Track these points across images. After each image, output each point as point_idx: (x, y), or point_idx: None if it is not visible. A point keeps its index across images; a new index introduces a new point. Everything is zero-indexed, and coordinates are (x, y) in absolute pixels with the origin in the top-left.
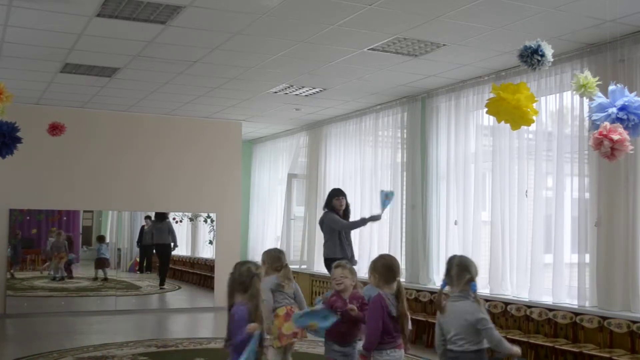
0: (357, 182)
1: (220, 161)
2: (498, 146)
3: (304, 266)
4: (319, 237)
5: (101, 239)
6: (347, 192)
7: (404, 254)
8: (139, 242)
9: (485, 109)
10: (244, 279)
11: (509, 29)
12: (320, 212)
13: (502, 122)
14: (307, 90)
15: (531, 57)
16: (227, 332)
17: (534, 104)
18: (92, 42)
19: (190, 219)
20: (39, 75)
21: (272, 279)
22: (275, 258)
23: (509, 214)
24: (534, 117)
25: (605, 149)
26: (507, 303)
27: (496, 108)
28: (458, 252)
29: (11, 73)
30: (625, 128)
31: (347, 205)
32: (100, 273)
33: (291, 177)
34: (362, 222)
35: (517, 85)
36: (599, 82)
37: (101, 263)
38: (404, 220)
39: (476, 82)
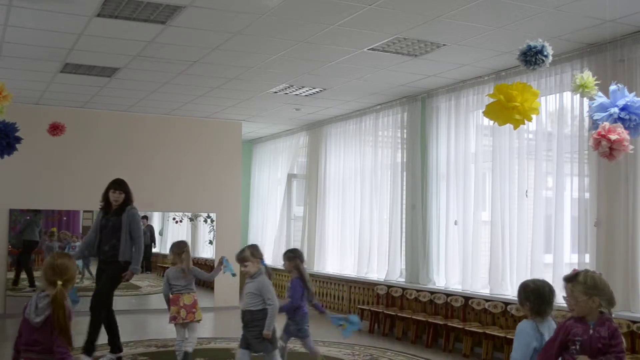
0: (357, 182)
1: (220, 161)
2: (498, 146)
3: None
4: (319, 237)
5: (52, 234)
6: (347, 192)
7: (404, 254)
8: None
9: (483, 111)
10: None
11: (509, 29)
12: (320, 212)
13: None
14: (307, 90)
15: (535, 57)
16: None
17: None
18: (92, 42)
19: (190, 219)
20: (39, 75)
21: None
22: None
23: (509, 214)
24: (530, 116)
25: (604, 149)
26: (507, 303)
27: (490, 110)
28: (458, 252)
29: (11, 73)
30: (627, 128)
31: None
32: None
33: (291, 177)
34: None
35: (510, 85)
36: (597, 82)
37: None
38: (404, 220)
39: (476, 82)
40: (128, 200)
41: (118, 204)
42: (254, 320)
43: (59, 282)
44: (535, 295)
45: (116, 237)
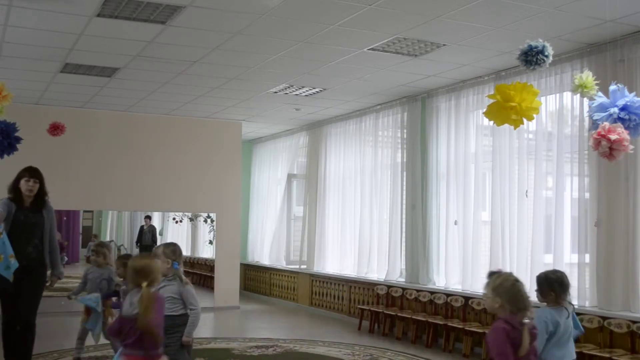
0: (357, 182)
1: (220, 161)
2: (498, 146)
3: (303, 266)
4: (319, 237)
5: None
6: (347, 192)
7: (404, 254)
8: (139, 241)
9: (484, 111)
10: None
11: (509, 29)
12: (320, 212)
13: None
14: (307, 90)
15: (536, 57)
16: None
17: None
18: (92, 42)
19: (190, 219)
20: (39, 75)
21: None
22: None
23: (509, 214)
24: (530, 115)
25: (604, 149)
26: None
27: (490, 110)
28: (458, 252)
29: (11, 73)
30: (627, 128)
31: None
32: None
33: (291, 177)
34: None
35: (509, 85)
36: (597, 82)
37: None
38: (404, 220)
39: (476, 82)
40: (43, 192)
41: (32, 194)
42: (174, 327)
43: (144, 284)
44: (559, 284)
45: (38, 237)
